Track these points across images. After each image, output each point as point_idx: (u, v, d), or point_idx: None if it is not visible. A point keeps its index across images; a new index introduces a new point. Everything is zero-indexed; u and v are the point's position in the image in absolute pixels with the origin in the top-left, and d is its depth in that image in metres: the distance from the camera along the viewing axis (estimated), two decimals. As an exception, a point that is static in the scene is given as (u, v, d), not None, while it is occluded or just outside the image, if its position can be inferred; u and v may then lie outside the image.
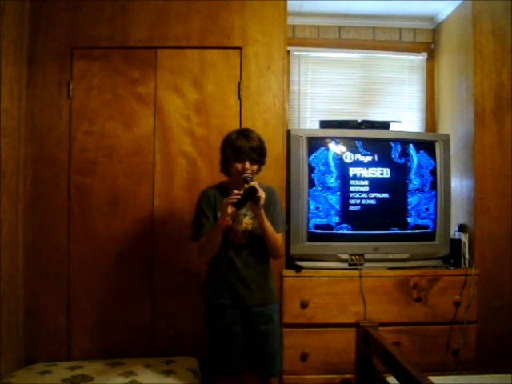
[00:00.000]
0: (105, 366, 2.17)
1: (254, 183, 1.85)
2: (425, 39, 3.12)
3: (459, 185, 2.72)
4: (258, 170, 2.02)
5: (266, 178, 2.17)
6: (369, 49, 3.09)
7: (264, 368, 2.01)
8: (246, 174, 1.89)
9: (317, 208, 2.49)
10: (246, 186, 1.84)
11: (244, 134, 1.97)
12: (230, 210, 1.83)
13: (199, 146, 2.46)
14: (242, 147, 1.91)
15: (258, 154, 1.95)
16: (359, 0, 2.80)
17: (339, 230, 2.51)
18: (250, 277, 1.98)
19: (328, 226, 2.50)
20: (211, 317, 2.02)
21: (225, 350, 1.97)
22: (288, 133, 2.50)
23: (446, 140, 2.61)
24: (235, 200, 1.82)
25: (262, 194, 1.83)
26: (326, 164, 2.51)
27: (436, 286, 2.47)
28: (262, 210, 1.88)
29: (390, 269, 2.50)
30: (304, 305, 2.39)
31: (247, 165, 1.92)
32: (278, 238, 2.00)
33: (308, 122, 3.04)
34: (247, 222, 1.99)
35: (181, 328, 2.43)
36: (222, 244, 1.93)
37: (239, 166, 1.93)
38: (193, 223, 2.03)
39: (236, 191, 1.85)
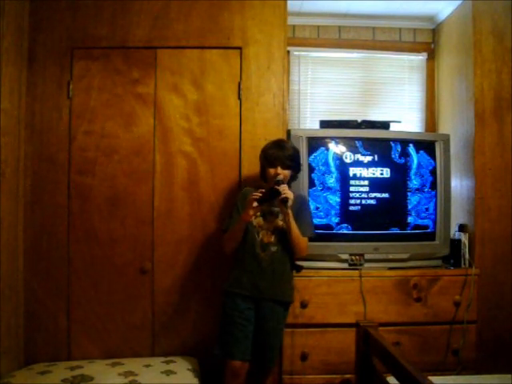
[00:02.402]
0: (105, 366, 2.17)
1: (284, 186, 2.01)
2: (425, 39, 3.12)
3: (459, 185, 2.72)
4: (293, 177, 2.20)
5: (266, 178, 2.17)
6: (369, 49, 3.09)
7: (264, 361, 2.13)
8: (278, 177, 2.06)
9: (317, 208, 2.49)
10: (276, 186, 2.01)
11: (277, 143, 2.17)
12: (252, 204, 1.98)
13: (199, 145, 2.46)
14: (273, 154, 2.11)
15: (290, 160, 2.12)
16: (359, 0, 2.80)
17: (339, 230, 2.51)
18: (273, 273, 2.11)
19: (328, 226, 2.50)
20: (228, 303, 2.13)
21: (237, 332, 2.07)
22: (288, 133, 2.50)
23: (445, 140, 2.61)
24: (257, 196, 1.98)
25: (290, 194, 1.99)
26: (326, 164, 2.51)
27: (436, 285, 2.47)
28: (289, 211, 2.03)
29: (390, 269, 2.50)
30: (304, 305, 2.38)
31: (279, 170, 2.09)
32: (302, 240, 2.12)
33: (308, 121, 3.04)
34: (278, 222, 2.13)
35: (181, 328, 2.43)
36: (251, 240, 2.11)
37: (272, 171, 2.10)
38: (227, 217, 2.20)
39: (261, 190, 2.02)
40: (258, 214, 2.11)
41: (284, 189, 1.99)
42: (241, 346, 2.07)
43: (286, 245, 2.12)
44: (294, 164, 2.15)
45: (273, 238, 2.12)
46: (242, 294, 2.10)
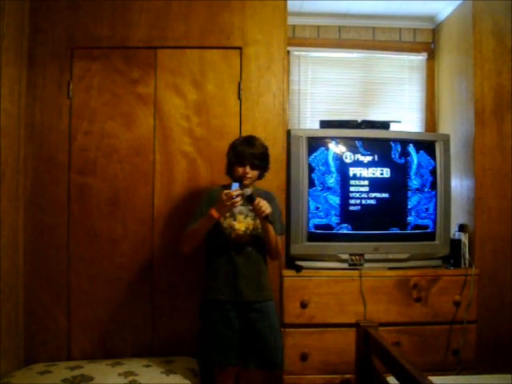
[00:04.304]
0: (105, 366, 2.17)
1: (259, 199, 1.92)
2: (425, 39, 3.12)
3: (459, 185, 2.72)
4: (261, 176, 2.12)
5: (265, 178, 2.17)
6: (369, 49, 3.09)
7: (265, 364, 2.06)
8: (247, 191, 1.93)
9: (317, 208, 2.49)
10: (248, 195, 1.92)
11: (248, 140, 2.07)
12: (228, 202, 1.88)
13: (199, 145, 2.46)
14: (243, 152, 2.01)
15: (260, 159, 2.04)
16: (359, 0, 2.80)
17: (339, 229, 2.51)
18: (250, 274, 2.06)
19: (328, 226, 2.50)
20: (208, 311, 2.07)
21: (220, 342, 2.02)
22: (288, 133, 2.50)
23: (445, 140, 2.61)
24: (233, 195, 1.88)
25: (268, 209, 1.91)
26: (326, 164, 2.51)
27: (436, 286, 2.47)
28: (269, 225, 1.97)
29: (390, 269, 2.50)
30: (304, 305, 2.39)
31: (248, 169, 2.01)
32: (279, 241, 2.12)
33: (308, 121, 3.04)
34: (248, 222, 2.07)
35: (181, 328, 2.43)
36: (223, 242, 2.04)
37: (240, 169, 2.02)
38: (190, 216, 2.11)
39: (227, 191, 1.91)
40: (228, 215, 2.03)
41: (260, 202, 1.91)
42: (226, 354, 2.01)
43: (258, 245, 2.07)
44: (263, 163, 2.07)
45: (246, 239, 2.05)
46: (221, 299, 2.03)
